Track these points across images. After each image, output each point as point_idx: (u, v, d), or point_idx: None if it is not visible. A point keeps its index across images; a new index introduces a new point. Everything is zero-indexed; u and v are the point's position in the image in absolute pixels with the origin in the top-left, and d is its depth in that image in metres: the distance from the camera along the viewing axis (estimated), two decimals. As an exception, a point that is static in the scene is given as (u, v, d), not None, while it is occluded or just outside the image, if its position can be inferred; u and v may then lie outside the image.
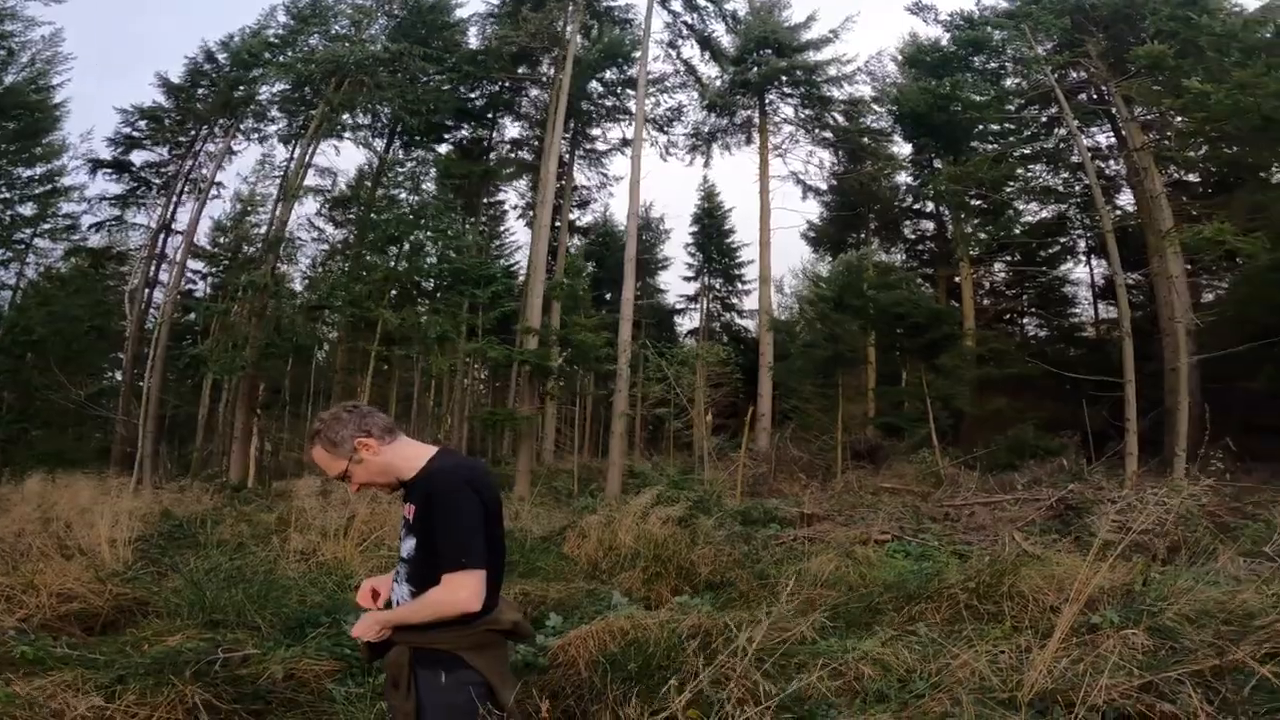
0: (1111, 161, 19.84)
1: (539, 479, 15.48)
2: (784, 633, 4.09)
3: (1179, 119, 14.94)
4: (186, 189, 19.60)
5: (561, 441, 24.77)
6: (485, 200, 25.29)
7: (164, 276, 19.57)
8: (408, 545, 1.86)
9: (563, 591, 5.22)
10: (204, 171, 19.38)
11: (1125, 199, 20.28)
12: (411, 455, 1.90)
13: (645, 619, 3.50)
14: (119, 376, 20.11)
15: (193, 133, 19.48)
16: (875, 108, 22.88)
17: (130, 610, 4.63)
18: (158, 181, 19.90)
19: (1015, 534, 6.45)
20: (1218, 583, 3.89)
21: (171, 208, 19.62)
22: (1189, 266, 16.54)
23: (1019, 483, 10.61)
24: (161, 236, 19.55)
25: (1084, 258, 22.86)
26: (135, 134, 19.21)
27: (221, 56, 18.75)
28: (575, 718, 3.09)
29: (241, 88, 18.29)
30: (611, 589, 5.42)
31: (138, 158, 19.68)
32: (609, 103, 22.55)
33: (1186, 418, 12.00)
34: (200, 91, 19.04)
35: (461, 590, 1.71)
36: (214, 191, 19.61)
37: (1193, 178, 19.33)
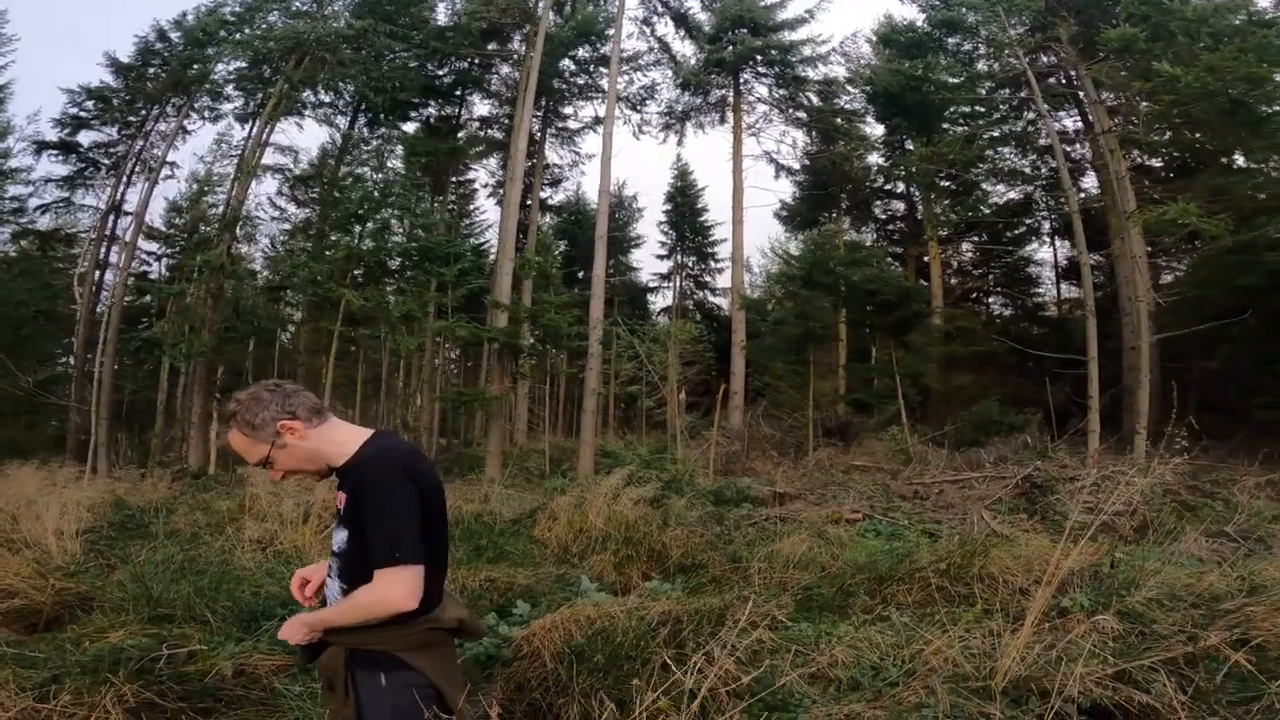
0: (1077, 145, 20.11)
1: (511, 459, 15.32)
2: (755, 618, 4.05)
3: (1145, 104, 15.11)
4: (137, 169, 18.85)
5: (535, 422, 24.60)
6: (455, 179, 24.80)
7: (116, 259, 18.89)
8: (339, 538, 1.70)
9: (531, 577, 5.11)
10: (155, 152, 18.69)
11: (1089, 182, 20.62)
12: (342, 440, 1.73)
13: (612, 607, 3.40)
14: (72, 362, 19.41)
15: (143, 112, 18.73)
16: (849, 89, 22.87)
17: (74, 606, 4.41)
18: (107, 162, 19.14)
19: (984, 513, 6.51)
20: (1183, 564, 3.93)
21: (121, 188, 18.90)
22: (1149, 248, 16.87)
23: (986, 460, 10.77)
24: (111, 218, 18.84)
25: (1048, 239, 23.33)
26: (83, 114, 18.43)
27: (175, 35, 17.98)
28: (542, 712, 2.99)
29: (196, 66, 17.57)
30: (582, 573, 5.33)
31: (85, 138, 18.95)
32: (582, 80, 22.19)
33: (1147, 396, 12.27)
34: (151, 71, 18.26)
35: (395, 587, 1.55)
36: (167, 171, 18.93)
37: (1155, 162, 19.67)
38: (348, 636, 1.67)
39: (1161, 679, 2.28)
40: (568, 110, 23.68)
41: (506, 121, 21.54)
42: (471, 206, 28.78)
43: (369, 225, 16.02)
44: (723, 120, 23.44)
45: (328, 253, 16.46)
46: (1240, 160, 15.84)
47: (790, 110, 23.41)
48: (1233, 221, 11.59)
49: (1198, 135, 15.30)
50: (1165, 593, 3.19)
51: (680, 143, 23.93)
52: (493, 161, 24.19)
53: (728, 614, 3.78)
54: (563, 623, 3.21)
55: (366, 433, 1.76)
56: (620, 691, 2.82)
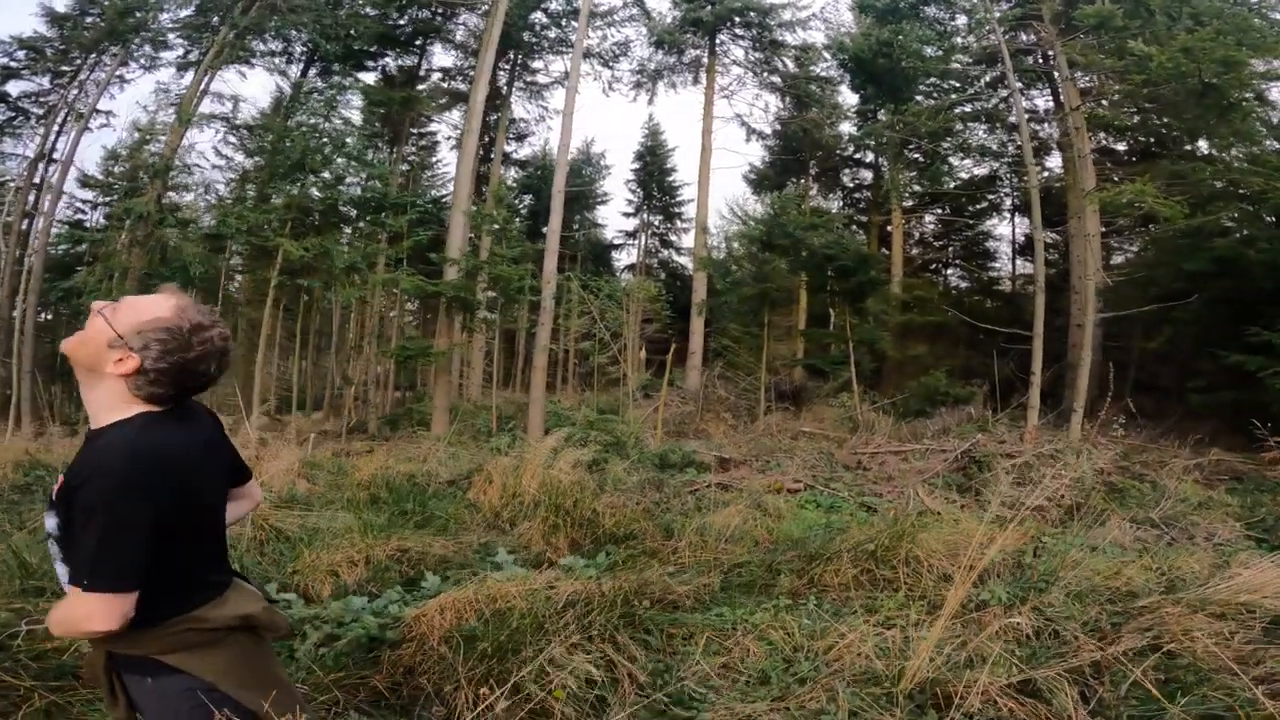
0: (1046, 125, 20.09)
1: (459, 415, 14.98)
2: (676, 599, 3.90)
3: (1118, 86, 15.01)
4: (69, 118, 17.74)
5: (487, 378, 24.20)
6: (415, 131, 23.88)
7: (45, 207, 17.88)
8: (50, 523, 1.42)
9: (450, 546, 4.88)
10: (89, 100, 17.63)
11: (1055, 161, 20.72)
12: (123, 408, 1.41)
13: (514, 586, 3.19)
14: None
15: (78, 62, 17.59)
16: (826, 55, 22.47)
17: (-55, 576, 4.02)
18: (37, 111, 17.99)
19: (919, 488, 6.49)
20: (1106, 551, 3.88)
21: (52, 137, 17.82)
22: (1104, 229, 17.02)
23: (928, 432, 10.85)
24: (41, 166, 17.78)
25: (1009, 215, 23.58)
26: (13, 65, 17.24)
27: (117, -18, 16.70)
28: (429, 698, 2.80)
29: (137, 14, 16.43)
30: (503, 544, 5.12)
31: (14, 88, 17.80)
32: (553, 34, 21.35)
33: (1087, 373, 12.44)
34: (89, 20, 17.03)
35: (79, 609, 1.32)
36: (102, 120, 17.96)
37: (1121, 146, 19.79)
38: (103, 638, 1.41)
39: (1065, 689, 2.17)
40: (537, 64, 22.91)
41: (470, 73, 20.62)
42: (434, 159, 27.84)
43: (316, 176, 15.24)
44: (696, 81, 22.99)
45: (266, 201, 15.69)
46: (1204, 147, 15.94)
47: (765, 74, 23.03)
48: (1186, 206, 11.65)
49: (1165, 119, 15.31)
50: (1084, 587, 3.12)
51: (651, 101, 23.54)
52: (455, 114, 23.28)
53: (644, 595, 3.63)
54: (454, 604, 2.99)
55: (136, 410, 1.42)
56: (509, 678, 2.63)
